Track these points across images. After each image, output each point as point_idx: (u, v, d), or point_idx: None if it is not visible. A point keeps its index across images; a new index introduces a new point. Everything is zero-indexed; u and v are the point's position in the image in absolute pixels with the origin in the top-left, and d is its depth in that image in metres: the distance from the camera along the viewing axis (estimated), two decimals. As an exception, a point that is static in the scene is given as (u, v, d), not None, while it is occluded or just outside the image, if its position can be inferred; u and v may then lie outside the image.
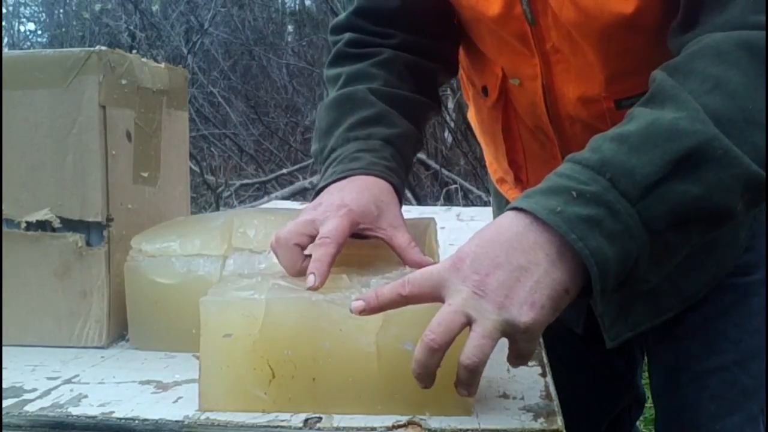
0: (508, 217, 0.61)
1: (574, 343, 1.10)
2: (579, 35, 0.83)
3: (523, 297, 0.58)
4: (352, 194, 0.76)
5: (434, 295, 0.61)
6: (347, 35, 0.96)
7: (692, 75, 0.64)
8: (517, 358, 0.62)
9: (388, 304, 0.61)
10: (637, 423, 1.38)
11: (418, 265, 0.71)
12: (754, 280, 0.94)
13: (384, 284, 0.64)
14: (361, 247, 0.79)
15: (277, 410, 0.64)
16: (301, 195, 3.77)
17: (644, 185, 0.59)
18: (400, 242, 0.75)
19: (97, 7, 5.47)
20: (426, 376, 0.60)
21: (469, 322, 0.58)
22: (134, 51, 3.60)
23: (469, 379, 0.59)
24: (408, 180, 0.89)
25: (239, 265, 0.83)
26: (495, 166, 1.13)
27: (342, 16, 1.00)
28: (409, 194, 3.90)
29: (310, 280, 0.67)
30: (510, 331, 0.58)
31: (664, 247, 0.62)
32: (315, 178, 3.85)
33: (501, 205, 1.18)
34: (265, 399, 0.64)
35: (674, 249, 0.63)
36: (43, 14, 7.15)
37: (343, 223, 0.72)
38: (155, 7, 5.24)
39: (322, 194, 0.79)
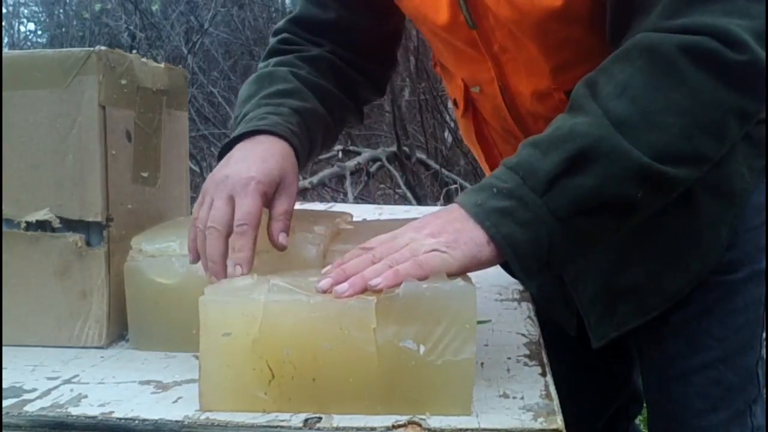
0: (449, 209, 0.73)
1: (570, 343, 1.11)
2: (518, 32, 0.85)
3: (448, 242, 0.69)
4: (257, 163, 0.79)
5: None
6: (282, 35, 1.02)
7: (604, 82, 0.72)
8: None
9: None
10: (637, 421, 1.39)
11: (270, 237, 0.78)
12: (738, 278, 0.95)
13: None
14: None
15: (277, 410, 0.64)
16: (301, 195, 3.77)
17: (547, 180, 0.69)
18: (274, 211, 0.80)
19: (97, 7, 5.47)
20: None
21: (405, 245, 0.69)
22: (134, 51, 3.60)
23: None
24: (310, 155, 0.93)
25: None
26: (485, 171, 1.15)
27: (282, 21, 1.05)
28: (409, 194, 3.90)
29: (238, 270, 0.71)
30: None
31: (577, 232, 0.71)
32: (315, 178, 3.85)
33: None
34: (265, 399, 0.64)
35: (591, 233, 0.73)
36: (43, 14, 7.15)
37: (255, 200, 0.76)
38: (155, 7, 5.25)
39: (228, 158, 0.82)
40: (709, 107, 0.71)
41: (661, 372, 1.01)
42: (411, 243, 0.69)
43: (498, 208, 0.69)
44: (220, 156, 0.85)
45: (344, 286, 0.65)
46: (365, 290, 0.65)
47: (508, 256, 0.69)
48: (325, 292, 0.65)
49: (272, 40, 1.04)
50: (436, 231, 0.70)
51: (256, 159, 0.79)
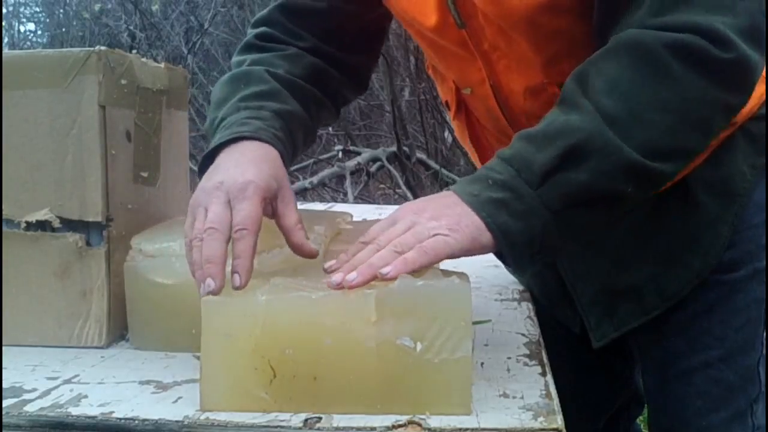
0: (444, 194, 0.75)
1: (572, 342, 1.11)
2: (508, 27, 0.85)
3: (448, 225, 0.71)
4: (251, 168, 0.75)
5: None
6: (261, 29, 0.99)
7: (594, 78, 0.74)
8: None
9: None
10: (637, 422, 1.39)
11: (299, 249, 0.74)
12: (738, 276, 0.95)
13: (378, 282, 0.65)
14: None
15: (278, 410, 0.64)
16: (301, 195, 3.77)
17: (541, 173, 0.71)
18: (288, 222, 0.76)
19: (97, 7, 5.47)
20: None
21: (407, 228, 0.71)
22: (134, 51, 3.60)
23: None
24: (294, 157, 0.90)
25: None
26: None
27: (265, 10, 1.02)
28: (409, 194, 3.90)
29: (236, 279, 0.67)
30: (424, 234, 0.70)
31: (569, 223, 0.73)
32: (315, 178, 3.85)
33: None
34: (267, 399, 0.64)
35: (582, 224, 0.75)
36: (43, 14, 7.15)
37: (254, 205, 0.72)
38: (155, 7, 5.24)
39: (217, 167, 0.77)
40: (696, 104, 0.73)
41: (661, 371, 1.01)
42: (413, 227, 0.70)
43: (493, 199, 0.71)
44: (202, 166, 0.81)
45: (353, 275, 0.65)
46: (375, 278, 0.65)
47: (502, 245, 0.71)
48: (338, 285, 0.65)
49: (250, 33, 1.00)
50: (436, 214, 0.71)
51: (249, 164, 0.75)
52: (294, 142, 0.88)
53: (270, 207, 0.76)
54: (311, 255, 0.75)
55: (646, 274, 0.96)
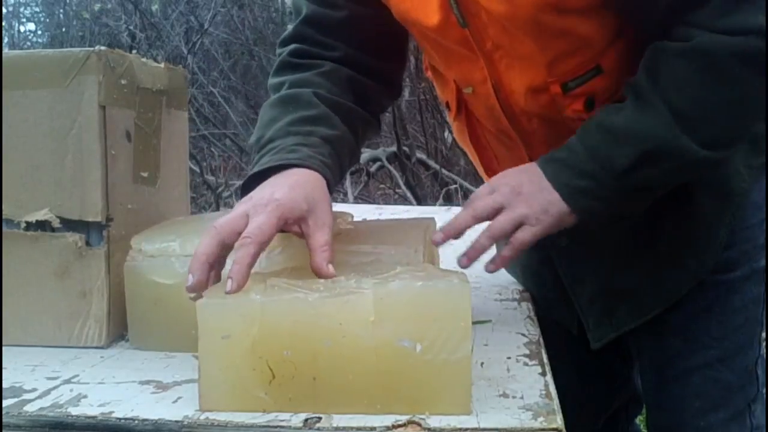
0: (537, 174, 0.86)
1: (570, 342, 1.11)
2: (512, 27, 0.85)
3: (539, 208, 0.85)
4: (284, 189, 0.76)
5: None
6: (292, 46, 0.99)
7: (665, 77, 0.82)
8: (508, 250, 0.86)
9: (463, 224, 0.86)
10: (636, 421, 1.39)
11: (317, 271, 0.72)
12: (736, 277, 0.96)
13: (377, 283, 0.65)
14: (360, 246, 0.79)
15: (277, 410, 0.64)
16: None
17: (622, 170, 0.83)
18: (314, 242, 0.75)
19: (97, 6, 5.46)
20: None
21: (500, 209, 0.86)
22: (134, 51, 3.60)
23: (481, 246, 0.86)
24: (340, 180, 0.93)
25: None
26: (482, 174, 1.15)
27: (290, 28, 1.02)
28: (409, 194, 3.90)
29: (228, 284, 0.67)
30: (515, 225, 0.85)
31: (640, 202, 0.89)
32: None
33: None
34: (266, 399, 0.64)
35: (648, 201, 0.89)
36: (43, 14, 7.15)
37: (270, 219, 0.72)
38: (155, 7, 5.24)
39: (257, 187, 0.78)
40: (755, 101, 0.82)
41: (660, 372, 1.01)
42: (508, 208, 0.85)
43: (581, 188, 0.84)
44: (245, 185, 0.82)
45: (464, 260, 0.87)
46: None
47: (588, 223, 0.86)
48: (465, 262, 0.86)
49: (282, 52, 1.00)
50: (530, 200, 0.85)
51: (284, 186, 0.76)
52: (341, 166, 0.89)
53: (298, 227, 0.76)
54: (329, 277, 0.73)
55: (644, 275, 0.96)
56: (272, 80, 0.98)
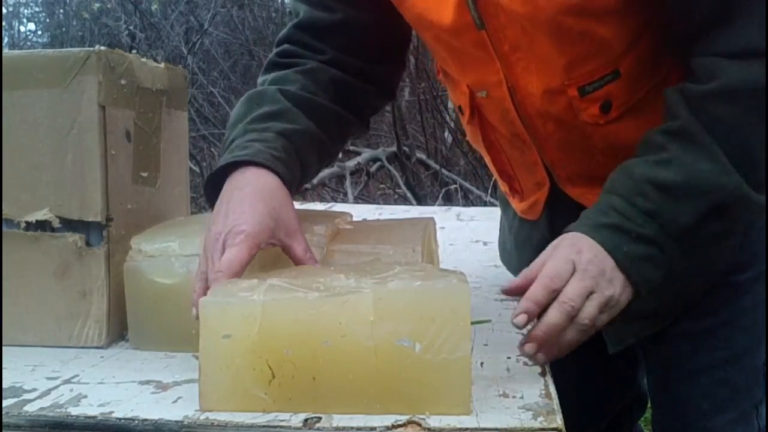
0: (599, 253, 0.77)
1: None
2: (532, 28, 0.85)
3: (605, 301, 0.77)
4: (246, 213, 0.77)
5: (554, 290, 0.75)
6: (282, 47, 1.00)
7: (709, 117, 0.78)
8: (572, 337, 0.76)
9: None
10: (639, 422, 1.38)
11: None
12: (746, 277, 0.95)
13: (376, 283, 0.65)
14: (359, 245, 0.79)
15: (277, 410, 0.64)
16: (301, 195, 3.77)
17: (684, 228, 0.77)
18: (297, 253, 0.80)
19: (96, 6, 5.47)
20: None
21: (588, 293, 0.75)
22: (134, 51, 3.60)
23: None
24: (304, 176, 0.92)
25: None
26: (497, 178, 1.15)
27: (286, 29, 1.02)
28: (409, 194, 3.90)
29: (193, 312, 0.71)
30: (601, 310, 0.76)
31: (693, 257, 0.82)
32: (315, 179, 3.85)
33: (508, 214, 1.19)
34: (266, 399, 0.64)
35: (698, 256, 0.84)
36: (43, 14, 7.15)
37: (241, 253, 0.75)
38: (154, 7, 5.24)
39: (220, 203, 0.81)
40: None
41: (666, 371, 1.00)
42: (593, 295, 0.75)
43: (639, 255, 0.77)
44: (207, 187, 0.85)
45: (542, 356, 0.75)
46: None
47: (645, 293, 0.78)
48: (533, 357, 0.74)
49: (272, 52, 1.01)
50: (594, 287, 0.75)
51: (245, 207, 0.78)
52: (302, 160, 0.89)
53: (273, 244, 0.79)
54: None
55: (668, 290, 0.95)
56: (259, 79, 1.00)
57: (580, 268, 0.75)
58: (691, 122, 0.78)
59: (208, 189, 0.85)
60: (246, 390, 0.64)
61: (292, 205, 0.83)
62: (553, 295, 0.74)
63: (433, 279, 0.66)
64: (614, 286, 0.76)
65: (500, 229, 1.25)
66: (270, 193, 0.81)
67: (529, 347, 0.73)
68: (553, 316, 0.73)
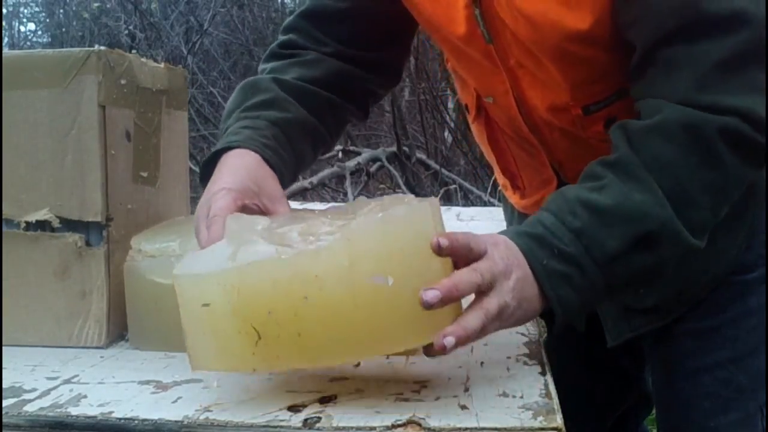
0: (518, 258, 0.71)
1: (580, 340, 1.10)
2: (537, 51, 0.85)
3: (519, 305, 0.71)
4: (226, 177, 0.78)
5: (473, 253, 0.68)
6: (284, 37, 0.99)
7: (649, 150, 0.75)
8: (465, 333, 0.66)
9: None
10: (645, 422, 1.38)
11: None
12: (752, 278, 0.94)
13: (342, 224, 0.66)
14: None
15: (267, 368, 0.66)
16: (301, 195, 3.77)
17: (611, 255, 0.73)
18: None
19: (95, 5, 5.47)
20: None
21: (485, 288, 0.67)
22: (134, 51, 3.60)
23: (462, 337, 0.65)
24: (299, 164, 0.92)
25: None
26: (496, 173, 1.15)
27: (291, 17, 1.02)
28: (409, 194, 3.90)
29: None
30: (500, 315, 0.68)
31: (620, 295, 0.83)
32: (315, 178, 3.85)
33: (507, 209, 1.20)
34: (254, 359, 0.64)
35: (621, 296, 0.84)
36: (43, 14, 7.16)
37: (227, 201, 0.75)
38: (154, 6, 5.25)
39: (210, 180, 0.81)
40: (736, 185, 0.78)
41: (670, 370, 1.00)
42: (498, 298, 0.68)
43: (558, 272, 0.72)
44: (202, 172, 0.86)
45: (452, 340, 0.64)
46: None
47: (558, 316, 0.73)
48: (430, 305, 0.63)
49: (276, 41, 1.01)
50: (514, 291, 0.69)
51: (227, 173, 0.79)
52: (294, 149, 0.89)
53: (256, 207, 0.78)
54: None
55: (670, 286, 0.94)
56: (259, 67, 0.99)
57: (490, 256, 0.69)
58: (629, 156, 0.76)
59: (203, 175, 0.85)
60: (233, 352, 0.64)
61: (277, 180, 0.83)
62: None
63: (396, 207, 0.65)
64: (516, 291, 0.69)
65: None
66: (253, 165, 0.81)
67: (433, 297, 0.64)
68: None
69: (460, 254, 0.67)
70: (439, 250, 0.64)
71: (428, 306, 0.62)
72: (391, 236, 0.62)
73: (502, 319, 0.69)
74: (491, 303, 0.67)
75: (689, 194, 0.75)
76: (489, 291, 0.67)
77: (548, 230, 0.74)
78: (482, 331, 0.66)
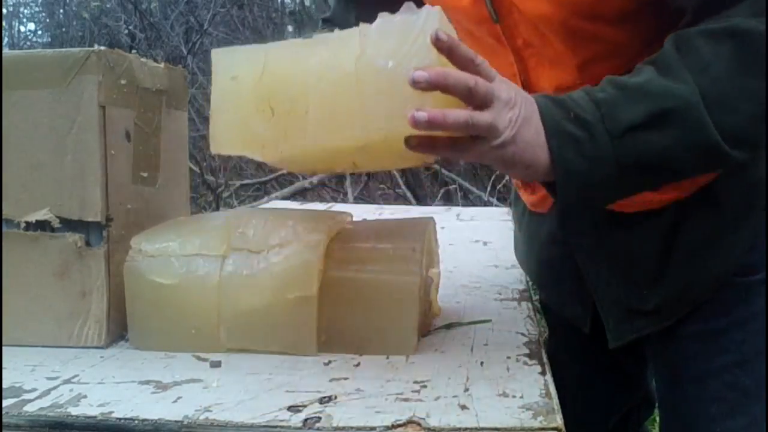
0: (530, 102, 0.72)
1: (583, 341, 1.09)
2: (545, 28, 0.85)
3: (519, 147, 0.70)
4: None
5: (476, 68, 0.69)
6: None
7: (695, 52, 0.73)
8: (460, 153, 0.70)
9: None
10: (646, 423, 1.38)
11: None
12: (756, 280, 0.93)
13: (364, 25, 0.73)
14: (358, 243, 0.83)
15: (275, 146, 0.74)
16: (301, 195, 3.77)
17: (625, 127, 0.71)
18: None
19: (94, 5, 5.47)
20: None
21: (479, 102, 0.68)
22: (134, 51, 3.60)
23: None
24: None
25: (238, 265, 0.83)
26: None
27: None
28: (408, 194, 3.90)
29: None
30: (492, 137, 0.69)
31: (627, 181, 0.74)
32: (315, 178, 3.85)
33: (519, 208, 1.19)
34: (265, 135, 0.74)
35: (636, 185, 0.76)
36: (43, 14, 7.16)
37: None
38: (154, 6, 5.25)
39: None
40: None
41: (675, 374, 0.99)
42: (495, 107, 0.68)
43: (568, 133, 0.71)
44: None
45: (423, 115, 0.64)
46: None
47: (558, 178, 0.71)
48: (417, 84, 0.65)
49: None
50: (518, 122, 0.69)
51: None
52: None
53: None
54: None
55: (671, 286, 0.94)
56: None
57: (496, 82, 0.69)
58: (671, 53, 0.74)
59: None
60: (249, 128, 0.75)
61: None
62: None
63: (407, 12, 0.72)
64: (517, 127, 0.69)
65: (514, 232, 1.25)
66: None
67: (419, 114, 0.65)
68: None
69: (460, 61, 0.68)
70: (436, 42, 0.66)
71: (414, 82, 0.64)
72: (403, 34, 0.70)
73: (499, 151, 0.68)
74: (482, 115, 0.67)
75: (727, 96, 0.72)
76: (483, 108, 0.67)
77: (571, 98, 0.73)
78: (471, 147, 0.68)
